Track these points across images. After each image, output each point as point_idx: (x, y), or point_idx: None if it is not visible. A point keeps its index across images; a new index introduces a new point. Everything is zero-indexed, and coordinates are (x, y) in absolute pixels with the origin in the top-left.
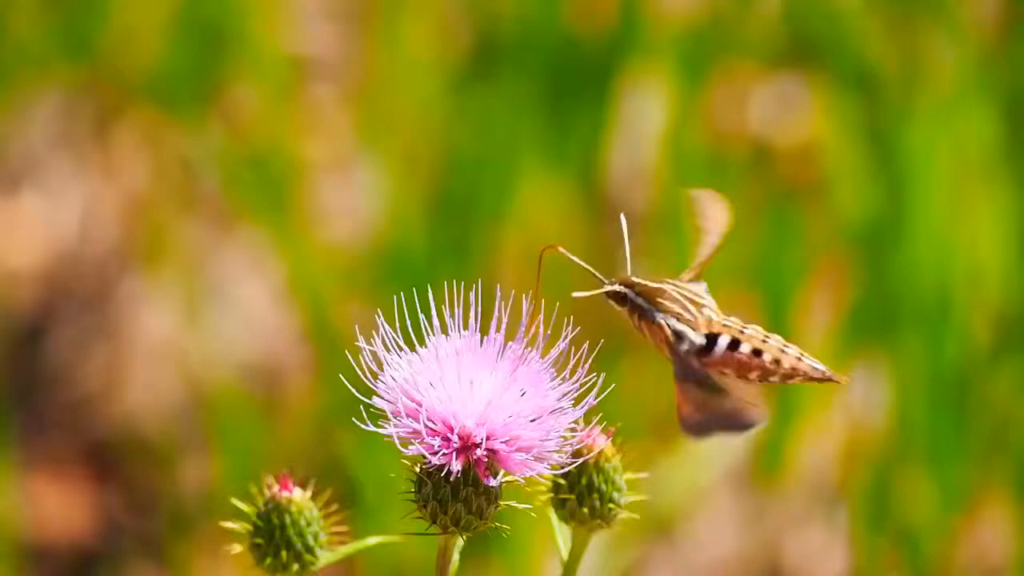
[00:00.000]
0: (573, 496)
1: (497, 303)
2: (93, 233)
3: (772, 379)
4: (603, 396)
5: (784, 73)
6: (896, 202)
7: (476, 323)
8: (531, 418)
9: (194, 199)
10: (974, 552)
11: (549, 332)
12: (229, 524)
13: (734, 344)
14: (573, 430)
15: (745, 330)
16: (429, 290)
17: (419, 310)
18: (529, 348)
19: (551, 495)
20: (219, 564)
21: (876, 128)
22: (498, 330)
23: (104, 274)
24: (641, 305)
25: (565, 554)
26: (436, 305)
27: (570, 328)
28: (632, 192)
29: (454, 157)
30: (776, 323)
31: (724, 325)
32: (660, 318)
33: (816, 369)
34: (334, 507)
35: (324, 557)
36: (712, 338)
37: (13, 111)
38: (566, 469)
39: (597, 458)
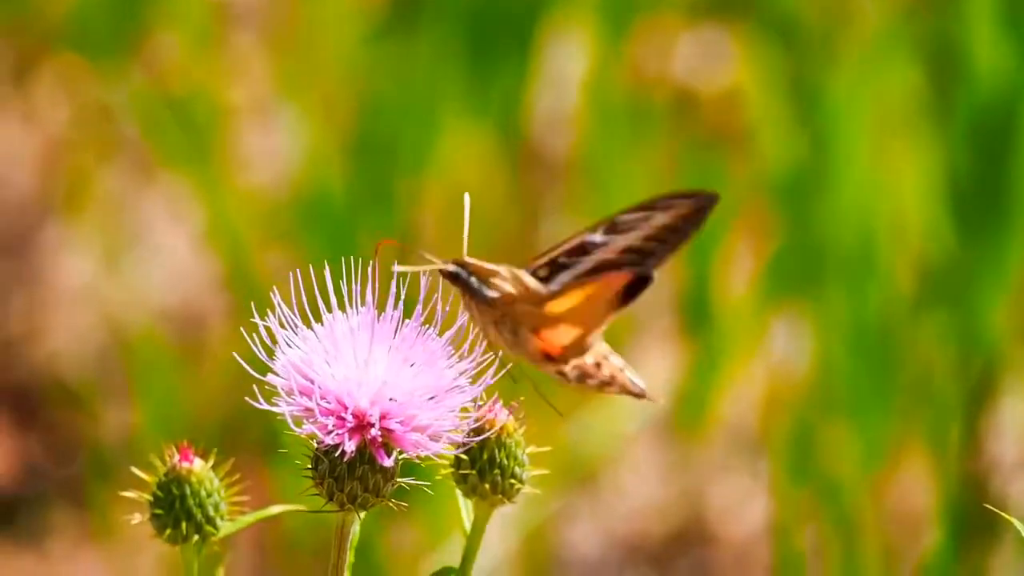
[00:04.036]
0: (474, 472)
1: (394, 279)
2: (12, 179)
3: (589, 382)
4: (502, 359)
5: (707, 22)
6: (819, 152)
7: (374, 298)
8: (427, 396)
9: (114, 145)
10: (894, 502)
11: (448, 309)
12: (128, 493)
13: None
14: (477, 404)
15: None
16: (326, 266)
17: (315, 285)
18: (427, 325)
19: (453, 470)
20: (139, 509)
21: (799, 77)
22: (395, 307)
23: (24, 220)
24: (472, 285)
25: (468, 526)
26: (333, 279)
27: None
28: (554, 140)
29: (375, 104)
30: (698, 272)
31: None
32: (490, 293)
33: (635, 384)
34: (237, 475)
35: (225, 527)
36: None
37: None
38: (468, 445)
39: (499, 433)
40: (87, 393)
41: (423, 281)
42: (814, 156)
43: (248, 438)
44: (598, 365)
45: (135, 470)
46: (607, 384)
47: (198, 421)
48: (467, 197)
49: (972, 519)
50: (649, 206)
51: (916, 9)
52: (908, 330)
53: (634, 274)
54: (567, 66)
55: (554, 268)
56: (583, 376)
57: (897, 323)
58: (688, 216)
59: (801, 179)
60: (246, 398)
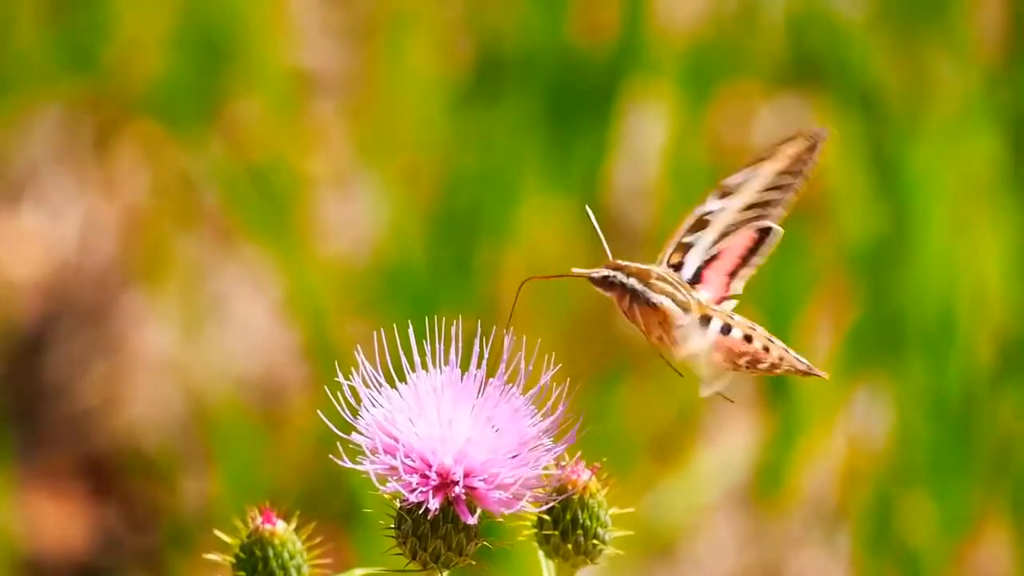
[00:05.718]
0: (557, 532)
1: (477, 338)
2: (93, 247)
3: (760, 367)
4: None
5: (787, 92)
6: (900, 223)
7: (457, 358)
8: (511, 455)
9: (195, 214)
10: (974, 574)
11: (531, 368)
12: (212, 556)
13: (726, 328)
14: (559, 464)
15: (734, 317)
16: (409, 325)
17: (399, 344)
18: (510, 383)
19: (536, 530)
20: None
21: (880, 148)
22: (479, 366)
23: (104, 288)
24: (635, 287)
25: None
26: (417, 339)
27: (552, 362)
28: (634, 210)
29: (456, 174)
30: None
31: (714, 311)
32: (656, 299)
33: (801, 362)
34: (319, 539)
35: None
36: (705, 320)
37: (14, 125)
38: (550, 504)
39: (582, 493)
40: (165, 462)
41: (507, 341)
42: (894, 227)
43: (327, 508)
44: (766, 349)
45: (218, 532)
46: (775, 366)
47: (277, 491)
48: (589, 210)
49: None
50: (755, 160)
51: (997, 79)
52: (988, 401)
53: (757, 232)
54: (647, 137)
55: (684, 249)
56: (753, 362)
57: (977, 394)
58: (801, 154)
59: (881, 250)
60: (331, 456)
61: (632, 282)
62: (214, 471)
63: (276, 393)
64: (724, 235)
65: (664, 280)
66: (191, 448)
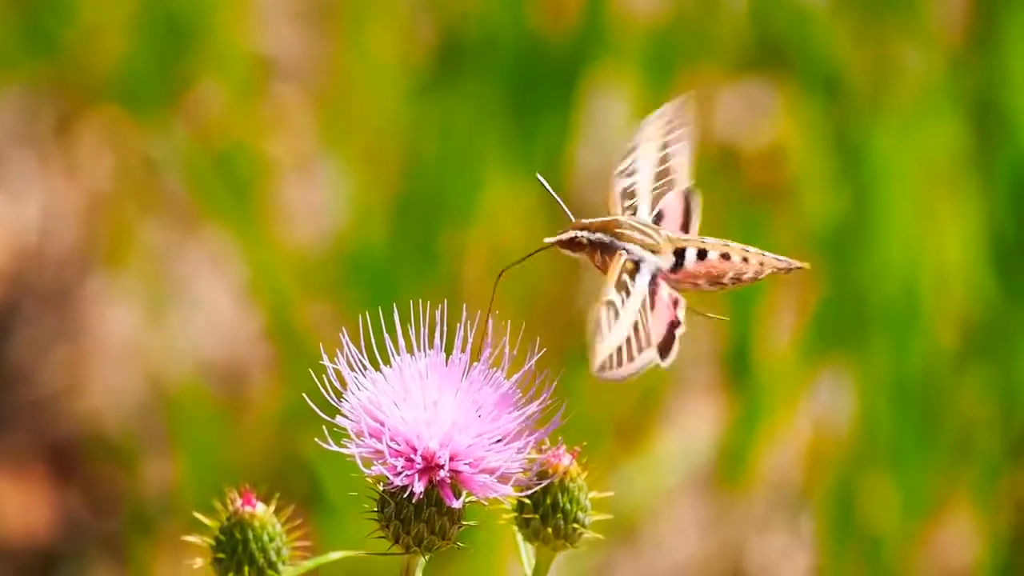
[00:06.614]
0: (537, 516)
1: (463, 322)
2: (55, 232)
3: (744, 278)
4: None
5: (750, 76)
6: (862, 207)
7: (441, 342)
8: (496, 439)
9: (157, 198)
10: (937, 557)
11: (515, 352)
12: (191, 538)
13: (702, 254)
14: (539, 449)
15: (705, 240)
16: (394, 307)
17: (384, 327)
18: (495, 368)
19: (516, 514)
20: (180, 565)
21: (843, 132)
22: (463, 349)
23: (66, 273)
24: (603, 240)
25: (529, 571)
26: (401, 322)
27: (536, 347)
28: (596, 195)
29: (418, 158)
30: (741, 326)
31: (685, 240)
32: (621, 247)
33: (781, 260)
34: (298, 521)
35: (286, 572)
36: (680, 253)
37: None
38: (532, 490)
39: (562, 477)
40: (128, 447)
41: (490, 324)
42: (857, 211)
43: (290, 492)
44: (745, 260)
45: (197, 515)
46: (759, 273)
47: (239, 475)
48: (541, 177)
49: (1016, 574)
50: (631, 148)
51: (959, 64)
52: (951, 384)
53: (682, 196)
54: (609, 121)
55: (633, 211)
56: (737, 277)
57: (940, 377)
58: (670, 123)
59: (844, 234)
60: (316, 440)
61: (598, 236)
62: (177, 455)
63: (239, 377)
64: (655, 201)
65: (631, 227)
66: (153, 432)
